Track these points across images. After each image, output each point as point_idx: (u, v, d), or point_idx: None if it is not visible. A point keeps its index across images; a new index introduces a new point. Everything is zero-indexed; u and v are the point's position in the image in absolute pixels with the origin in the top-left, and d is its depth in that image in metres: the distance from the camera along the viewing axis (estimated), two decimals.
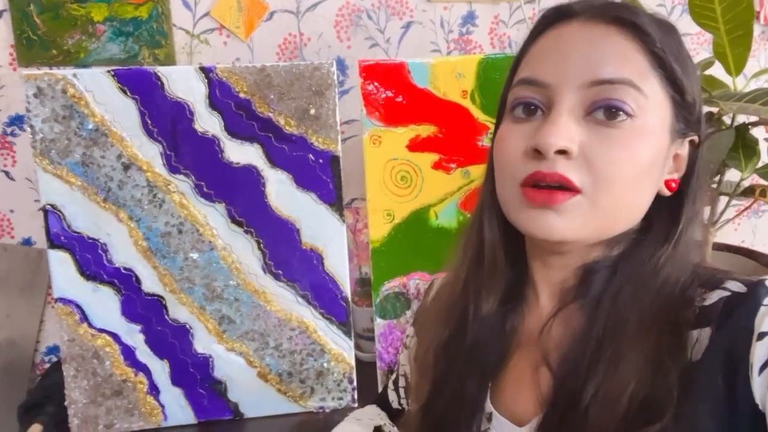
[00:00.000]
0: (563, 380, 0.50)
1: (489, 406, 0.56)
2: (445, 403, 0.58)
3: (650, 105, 0.47)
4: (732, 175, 1.09)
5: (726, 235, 1.33)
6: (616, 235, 0.51)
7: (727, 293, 0.47)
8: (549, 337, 0.53)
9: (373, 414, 0.77)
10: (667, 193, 0.52)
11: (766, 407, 0.42)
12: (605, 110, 0.47)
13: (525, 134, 0.49)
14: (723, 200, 1.13)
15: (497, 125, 0.56)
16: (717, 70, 1.12)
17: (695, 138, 0.52)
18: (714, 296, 0.47)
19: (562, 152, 0.47)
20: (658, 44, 0.47)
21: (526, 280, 0.58)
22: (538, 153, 0.48)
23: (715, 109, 1.12)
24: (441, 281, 0.69)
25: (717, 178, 1.13)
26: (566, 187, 0.47)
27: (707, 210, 1.17)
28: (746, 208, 1.18)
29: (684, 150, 0.52)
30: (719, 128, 1.11)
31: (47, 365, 1.31)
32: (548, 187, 0.47)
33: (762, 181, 1.04)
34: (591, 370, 0.48)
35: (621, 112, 0.46)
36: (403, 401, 0.76)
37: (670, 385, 0.45)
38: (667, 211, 0.52)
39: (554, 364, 0.51)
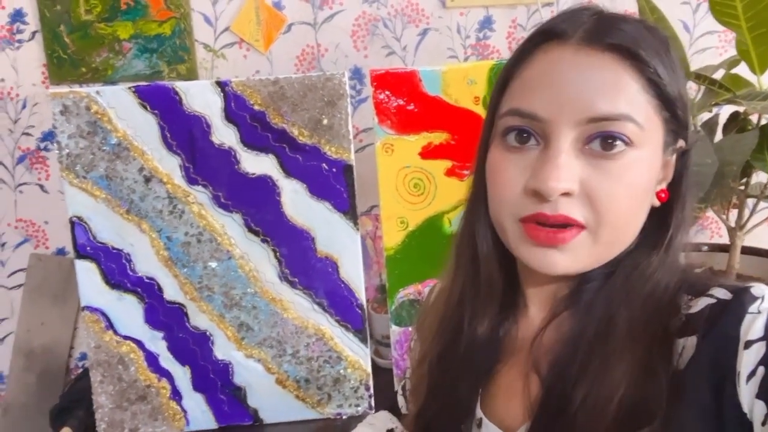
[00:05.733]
0: (553, 385, 0.50)
1: (479, 412, 0.57)
2: (438, 408, 0.59)
3: (646, 134, 0.47)
4: (761, 176, 1.05)
5: (760, 237, 1.28)
6: None
7: (713, 300, 0.46)
8: (540, 345, 0.53)
9: (386, 419, 0.77)
10: (657, 203, 0.51)
11: (753, 415, 0.42)
12: (602, 140, 0.46)
13: (521, 167, 0.49)
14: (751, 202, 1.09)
15: (485, 140, 0.54)
16: (743, 69, 1.09)
17: (683, 143, 0.51)
18: (700, 303, 0.47)
19: (564, 194, 0.47)
20: (652, 69, 0.47)
21: (517, 289, 0.58)
22: (539, 193, 0.47)
23: (741, 109, 1.08)
24: (438, 286, 0.69)
25: (744, 181, 1.09)
26: (571, 225, 0.47)
27: (735, 213, 1.13)
28: None
29: (672, 157, 0.51)
30: (744, 128, 1.07)
31: (81, 370, 1.36)
32: (552, 226, 0.47)
33: None
34: (581, 374, 0.48)
35: (618, 141, 0.46)
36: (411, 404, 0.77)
37: (660, 390, 0.45)
38: (657, 218, 0.51)
39: (544, 370, 0.51)
